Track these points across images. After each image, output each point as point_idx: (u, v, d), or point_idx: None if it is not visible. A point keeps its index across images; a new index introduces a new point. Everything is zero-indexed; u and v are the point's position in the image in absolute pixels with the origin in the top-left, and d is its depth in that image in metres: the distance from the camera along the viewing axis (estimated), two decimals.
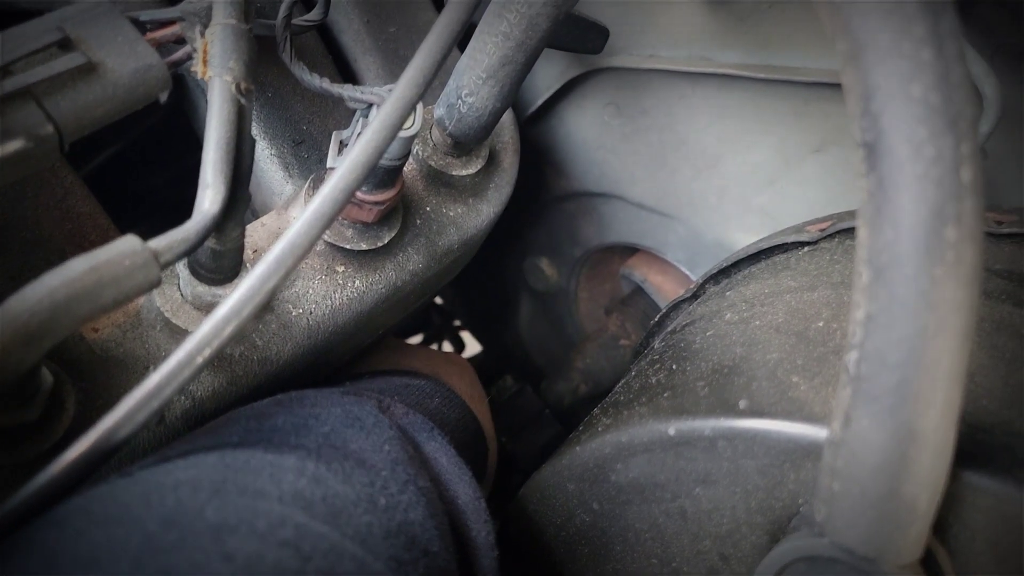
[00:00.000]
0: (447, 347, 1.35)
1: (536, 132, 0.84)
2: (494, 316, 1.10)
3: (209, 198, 0.43)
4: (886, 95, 0.30)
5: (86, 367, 0.49)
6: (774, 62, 0.69)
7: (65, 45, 0.42)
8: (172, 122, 0.72)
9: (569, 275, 0.96)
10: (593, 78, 0.78)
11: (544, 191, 0.90)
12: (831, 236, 0.55)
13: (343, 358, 0.68)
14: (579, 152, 0.83)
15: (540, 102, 0.80)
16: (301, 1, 0.60)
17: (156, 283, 0.40)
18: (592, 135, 0.81)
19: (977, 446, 0.35)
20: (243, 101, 0.45)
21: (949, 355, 0.30)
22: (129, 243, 0.40)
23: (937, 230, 0.29)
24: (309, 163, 0.65)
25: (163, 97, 0.45)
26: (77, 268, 0.38)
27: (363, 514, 0.40)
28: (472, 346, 1.28)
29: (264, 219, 0.58)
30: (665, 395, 0.46)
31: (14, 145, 0.40)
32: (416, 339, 1.32)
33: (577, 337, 1.00)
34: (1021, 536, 0.34)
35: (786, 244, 0.57)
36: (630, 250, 0.91)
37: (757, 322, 0.48)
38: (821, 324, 0.45)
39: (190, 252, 0.42)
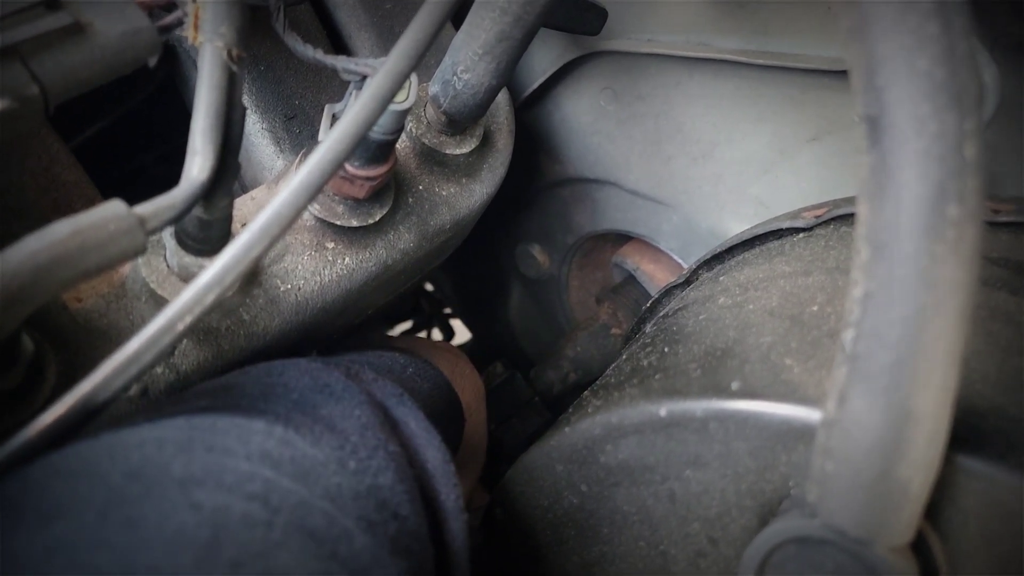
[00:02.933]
0: (436, 335, 1.34)
1: (531, 116, 0.83)
2: (485, 303, 1.09)
3: (197, 165, 0.42)
4: (891, 68, 0.29)
5: (69, 337, 0.48)
6: (772, 48, 0.68)
7: (52, 5, 0.41)
8: (162, 100, 0.71)
9: (561, 262, 0.95)
10: (590, 62, 0.77)
11: (537, 176, 0.89)
12: (827, 222, 0.55)
13: (331, 336, 0.67)
14: (574, 137, 0.83)
15: (536, 85, 0.79)
16: None
17: (141, 249, 0.40)
18: (587, 120, 0.80)
19: (971, 431, 0.34)
20: (234, 68, 0.44)
21: (947, 335, 0.30)
22: (114, 208, 0.39)
23: (939, 207, 0.29)
24: (301, 138, 0.64)
25: (152, 62, 0.45)
26: (60, 231, 0.37)
27: (332, 475, 0.40)
28: (462, 334, 1.28)
29: (254, 193, 0.57)
30: (657, 377, 0.45)
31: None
32: (405, 326, 1.32)
33: (568, 325, 1.00)
34: (1014, 521, 0.33)
35: (781, 230, 0.56)
36: (623, 238, 0.90)
37: (751, 306, 0.48)
38: (815, 308, 0.45)
39: (176, 220, 0.41)
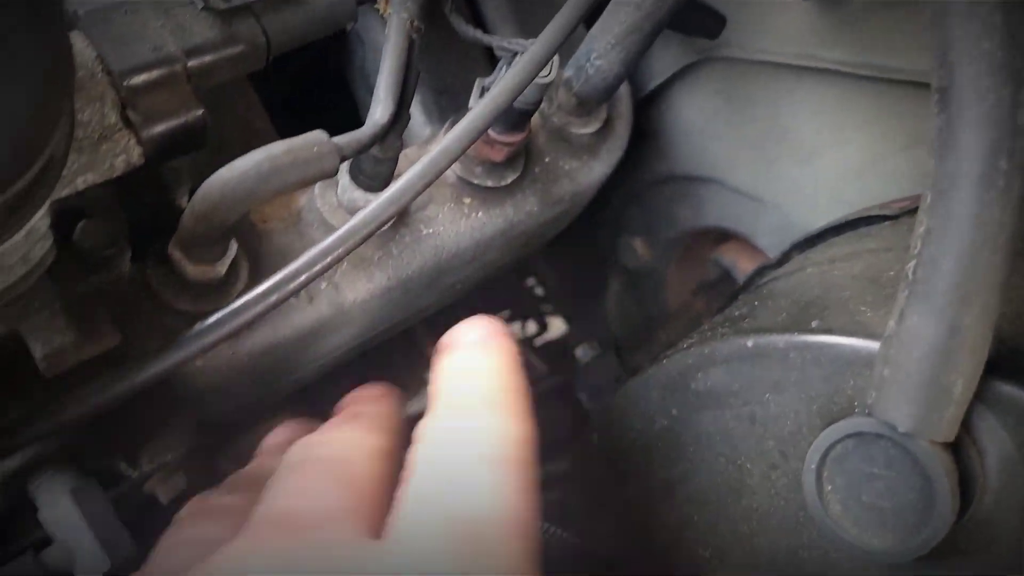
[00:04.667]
0: (532, 326, 1.42)
1: (644, 115, 0.91)
2: (584, 289, 1.16)
3: (380, 111, 0.52)
4: (960, 48, 0.36)
5: (255, 249, 0.58)
6: (873, 61, 0.74)
7: None
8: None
9: (661, 256, 1.02)
10: (705, 66, 0.84)
11: (646, 172, 0.96)
12: (912, 211, 0.61)
13: (454, 288, 0.76)
14: (683, 135, 0.90)
15: (653, 85, 0.87)
16: None
17: (333, 172, 0.49)
18: (699, 120, 0.87)
19: (1010, 361, 0.41)
20: (414, 37, 0.54)
21: (992, 266, 0.36)
22: (317, 135, 0.49)
23: (992, 161, 0.36)
24: (447, 111, 0.73)
25: (349, 27, 0.55)
26: (277, 148, 0.47)
27: None
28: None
29: (407, 151, 0.67)
30: (746, 320, 0.52)
31: (236, 48, 0.49)
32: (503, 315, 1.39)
33: (662, 316, 1.06)
34: None
35: (871, 216, 0.63)
36: (722, 236, 0.96)
37: (836, 272, 0.55)
38: (892, 273, 0.51)
39: (362, 151, 0.51)
